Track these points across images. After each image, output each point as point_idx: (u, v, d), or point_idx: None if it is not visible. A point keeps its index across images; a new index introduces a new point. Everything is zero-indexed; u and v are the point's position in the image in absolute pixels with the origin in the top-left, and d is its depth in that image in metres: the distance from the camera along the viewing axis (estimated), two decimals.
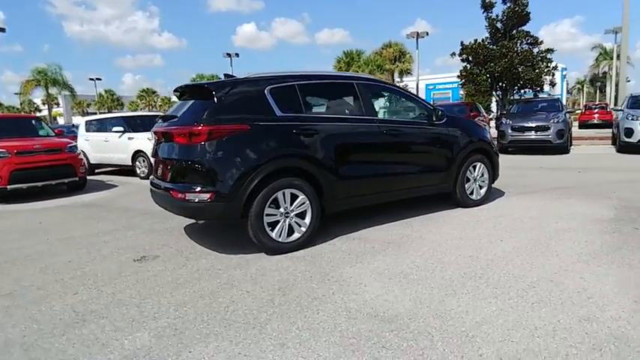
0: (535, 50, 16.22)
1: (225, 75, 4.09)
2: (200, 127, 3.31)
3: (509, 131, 11.29)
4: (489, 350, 2.00)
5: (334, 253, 3.56)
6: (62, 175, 7.06)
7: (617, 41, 34.52)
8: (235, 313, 2.52)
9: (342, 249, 3.67)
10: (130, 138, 9.40)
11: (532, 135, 11.00)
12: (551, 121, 10.92)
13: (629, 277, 2.80)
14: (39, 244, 4.26)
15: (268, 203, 3.48)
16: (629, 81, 45.03)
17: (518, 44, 16.24)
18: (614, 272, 2.90)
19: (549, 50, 16.15)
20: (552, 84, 17.03)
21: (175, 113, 3.81)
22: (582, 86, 66.75)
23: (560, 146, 10.87)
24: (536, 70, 15.83)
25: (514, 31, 16.47)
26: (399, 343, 2.10)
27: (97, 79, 44.10)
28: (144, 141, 9.18)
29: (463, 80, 17.73)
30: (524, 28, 16.34)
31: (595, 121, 22.56)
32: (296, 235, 3.66)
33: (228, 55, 40.40)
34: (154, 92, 50.15)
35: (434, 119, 4.70)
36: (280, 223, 3.57)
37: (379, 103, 4.45)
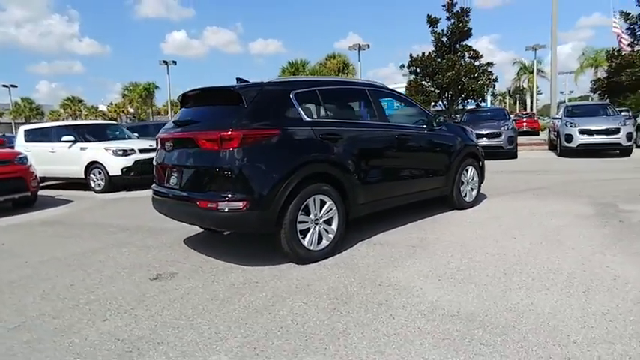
0: (476, 63, 17.66)
1: (238, 79, 3.95)
2: (232, 132, 3.15)
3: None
4: (578, 336, 2.14)
5: (365, 259, 3.56)
6: (12, 190, 6.26)
7: (537, 57, 38.61)
8: (307, 325, 2.42)
9: (371, 254, 3.68)
10: (82, 148, 8.61)
11: (484, 142, 11.85)
12: (502, 128, 11.91)
13: None
14: (18, 269, 3.73)
15: (300, 210, 3.40)
16: (540, 93, 50.24)
17: (462, 58, 17.56)
18: (630, 260, 3.24)
19: (489, 64, 17.69)
20: (494, 95, 18.65)
21: (192, 118, 3.59)
22: (503, 97, 73.32)
23: (511, 152, 11.89)
24: (479, 82, 17.22)
25: (457, 45, 17.79)
26: (492, 338, 2.16)
27: (12, 85, 39.75)
28: (100, 151, 8.49)
29: (412, 91, 18.70)
30: (467, 42, 17.76)
31: (524, 129, 24.94)
32: (325, 243, 3.61)
33: (165, 62, 38.82)
34: (80, 101, 46.24)
35: (434, 125, 4.93)
36: (311, 231, 3.50)
37: (387, 109, 4.56)
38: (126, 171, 8.39)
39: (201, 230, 4.69)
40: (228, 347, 2.20)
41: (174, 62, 39.43)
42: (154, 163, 4.10)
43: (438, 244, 3.88)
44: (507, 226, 4.46)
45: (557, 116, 12.83)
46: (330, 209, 3.62)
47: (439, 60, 17.43)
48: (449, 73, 16.63)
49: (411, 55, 18.15)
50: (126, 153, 8.52)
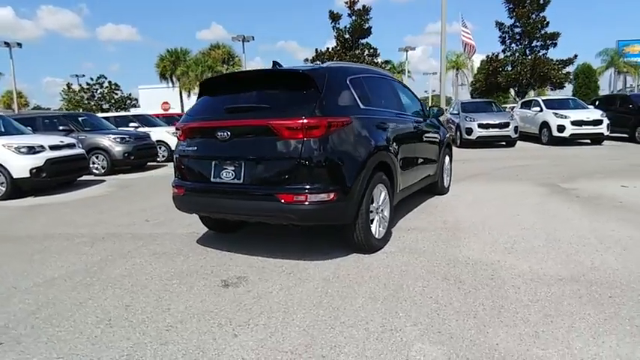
0: (376, 61, 19.18)
1: (275, 63, 3.74)
2: (317, 119, 3.01)
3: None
4: None
5: (420, 243, 3.76)
6: None
7: (399, 59, 42.95)
8: (456, 304, 2.52)
9: (419, 239, 3.89)
10: None
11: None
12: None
13: None
14: (17, 296, 2.91)
15: (370, 199, 3.43)
16: None
17: (363, 54, 18.87)
18: (624, 225, 4.10)
19: (387, 62, 19.40)
20: None
21: (252, 104, 3.28)
22: None
23: None
24: None
25: (359, 42, 19.04)
26: (613, 291, 2.61)
27: None
28: None
29: None
30: (368, 40, 19.15)
31: None
32: (382, 231, 3.70)
33: (7, 44, 32.05)
34: None
35: (429, 116, 5.37)
36: (375, 220, 3.56)
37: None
38: (36, 172, 6.93)
39: (205, 230, 4.30)
40: (416, 335, 2.19)
41: (20, 45, 32.89)
42: (177, 155, 3.61)
43: (466, 226, 4.30)
44: (498, 206, 5.15)
45: (455, 112, 14.82)
46: (385, 198, 3.73)
47: (346, 56, 18.40)
48: None
49: (316, 50, 18.78)
50: (33, 150, 7.03)
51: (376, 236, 3.54)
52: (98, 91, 30.38)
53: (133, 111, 24.50)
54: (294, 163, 3.04)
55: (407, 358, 2.02)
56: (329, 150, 3.06)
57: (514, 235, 3.88)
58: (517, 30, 19.50)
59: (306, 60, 19.09)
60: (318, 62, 19.14)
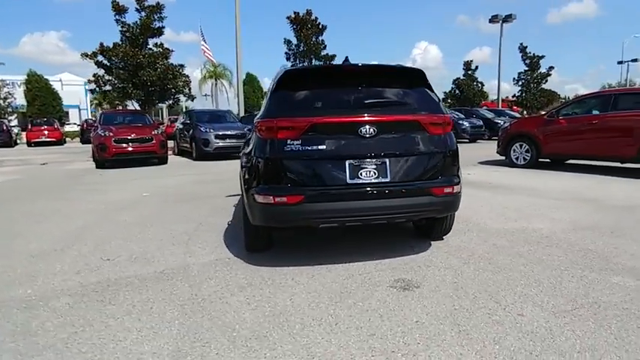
0: (171, 62, 17.73)
1: (347, 58, 3.62)
2: (448, 116, 3.30)
3: (214, 139, 12.48)
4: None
5: (455, 226, 4.41)
6: None
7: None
8: (573, 257, 3.36)
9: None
10: None
11: (235, 142, 12.55)
12: (246, 128, 13.29)
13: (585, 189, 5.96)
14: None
15: None
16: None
17: (157, 55, 17.16)
18: (527, 196, 5.95)
19: (182, 65, 18.21)
20: (192, 98, 19.37)
21: (375, 99, 3.18)
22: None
23: None
24: (180, 83, 17.51)
25: (150, 42, 17.25)
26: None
27: None
28: None
29: (101, 85, 16.31)
30: (161, 39, 17.49)
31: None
32: None
33: None
34: None
35: None
36: None
37: None
38: None
39: (231, 253, 3.64)
40: (602, 274, 2.89)
41: None
42: (278, 157, 2.97)
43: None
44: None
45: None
46: None
47: (140, 56, 16.22)
48: (157, 71, 15.97)
49: (101, 44, 15.83)
50: None
51: None
52: None
53: None
54: (441, 156, 3.21)
55: (625, 287, 2.72)
56: (456, 144, 3.34)
57: (491, 211, 5.02)
58: (302, 49, 22.26)
59: (85, 55, 15.64)
60: (101, 58, 16.15)
